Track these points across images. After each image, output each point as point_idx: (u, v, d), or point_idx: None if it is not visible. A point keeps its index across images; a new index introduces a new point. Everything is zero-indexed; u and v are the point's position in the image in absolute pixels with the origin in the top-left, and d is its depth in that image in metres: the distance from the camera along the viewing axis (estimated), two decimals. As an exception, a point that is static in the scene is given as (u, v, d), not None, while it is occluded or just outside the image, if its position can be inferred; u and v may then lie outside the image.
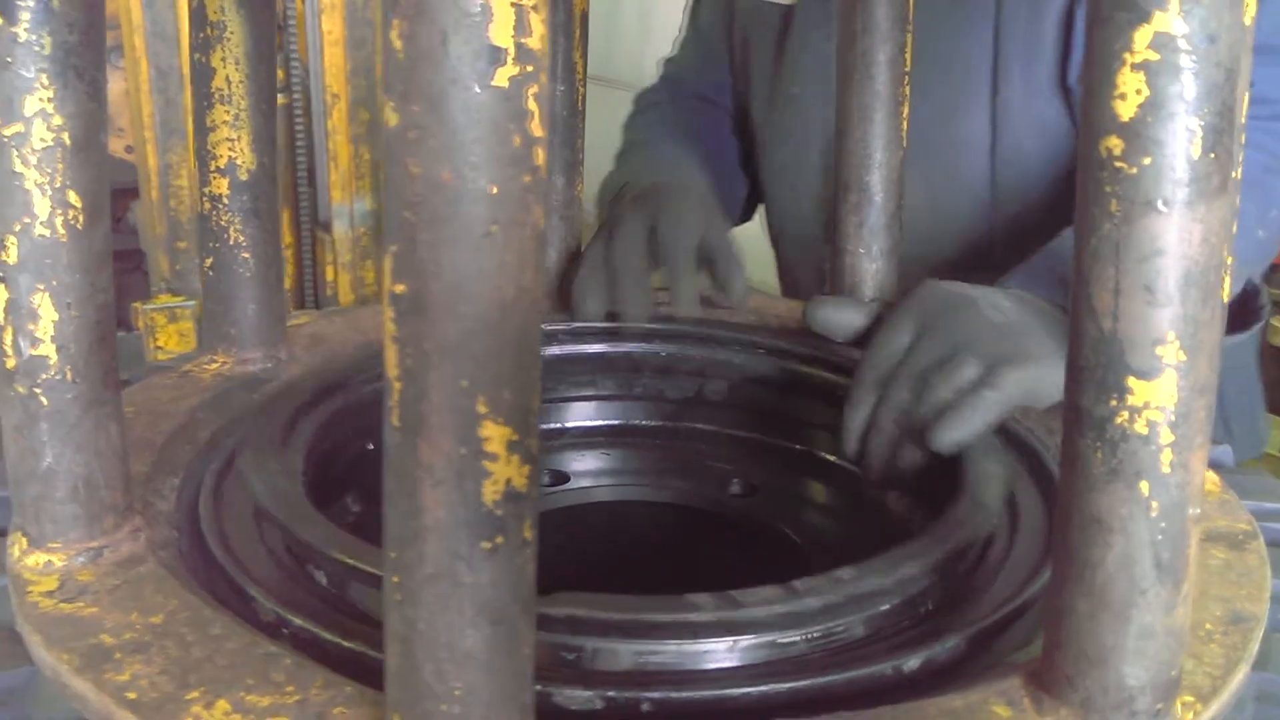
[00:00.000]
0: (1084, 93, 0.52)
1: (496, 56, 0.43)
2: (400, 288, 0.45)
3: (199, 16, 0.88)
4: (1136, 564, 0.55)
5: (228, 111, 0.90)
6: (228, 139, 0.91)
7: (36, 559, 0.69)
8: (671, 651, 0.62)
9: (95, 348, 0.67)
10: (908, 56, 1.07)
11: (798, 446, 0.99)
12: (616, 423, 1.04)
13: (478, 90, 0.43)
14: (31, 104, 0.61)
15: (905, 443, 0.86)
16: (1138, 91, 0.50)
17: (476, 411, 0.46)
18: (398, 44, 0.43)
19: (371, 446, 0.98)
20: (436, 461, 0.46)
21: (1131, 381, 0.53)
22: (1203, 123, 0.50)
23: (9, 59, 0.60)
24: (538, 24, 0.44)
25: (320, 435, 0.85)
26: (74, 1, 0.60)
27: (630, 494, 0.98)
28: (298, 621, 0.65)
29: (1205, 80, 0.49)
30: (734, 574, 0.72)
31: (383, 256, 0.46)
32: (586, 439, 1.03)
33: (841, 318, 1.02)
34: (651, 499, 0.98)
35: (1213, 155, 0.50)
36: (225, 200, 0.93)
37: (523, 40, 0.43)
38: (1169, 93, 0.49)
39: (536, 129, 0.44)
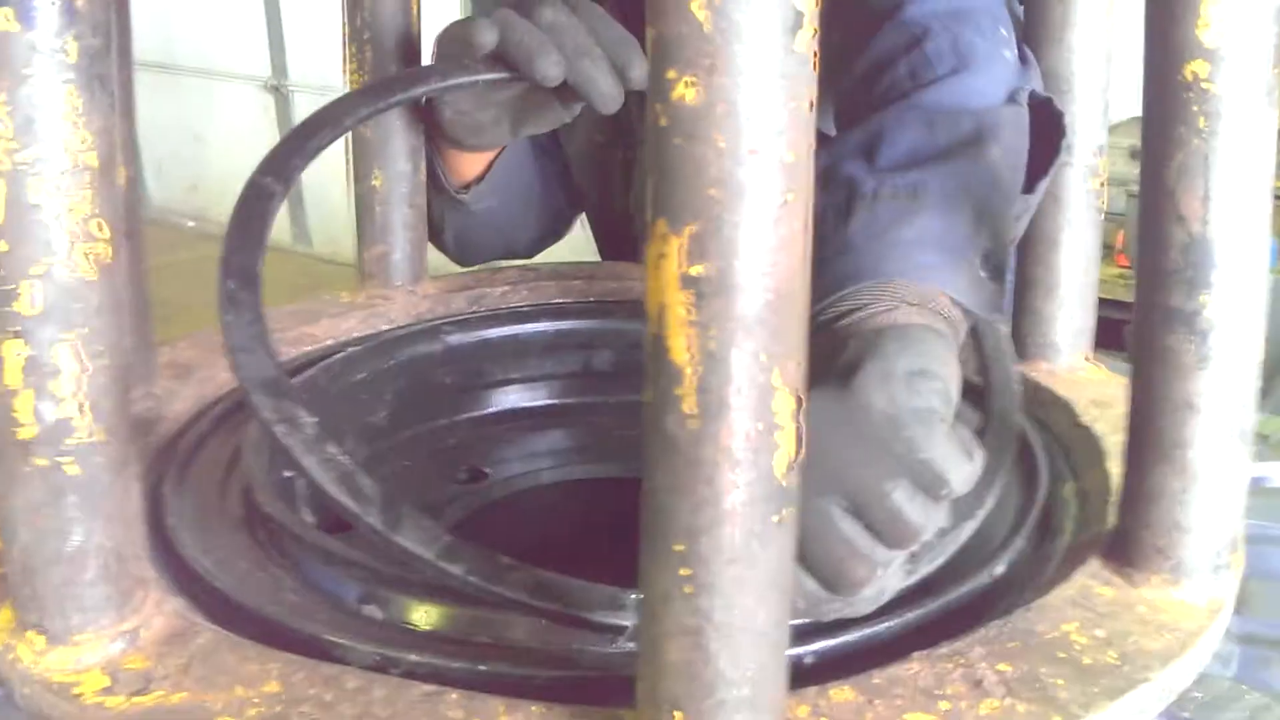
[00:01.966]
0: (1153, 26, 0.58)
1: (799, 21, 0.42)
2: (699, 269, 0.43)
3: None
4: (1224, 438, 0.62)
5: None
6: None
7: (63, 657, 0.59)
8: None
9: (123, 399, 0.57)
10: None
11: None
12: (534, 405, 1.02)
13: (784, 58, 0.42)
14: (54, 122, 0.51)
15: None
16: (1221, 19, 0.56)
17: (772, 385, 0.45)
18: (701, 15, 0.41)
19: (289, 474, 0.90)
20: (734, 443, 0.45)
21: (1217, 276, 0.60)
22: (1276, 41, 0.57)
23: (26, 70, 0.50)
24: (816, -17, 0.43)
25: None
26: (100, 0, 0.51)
27: (557, 477, 0.96)
28: (413, 658, 0.60)
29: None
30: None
31: (667, 239, 0.44)
32: (511, 423, 1.00)
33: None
34: (582, 477, 0.97)
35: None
36: (90, 223, 0.81)
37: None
38: (1247, 18, 0.56)
39: (814, 90, 0.44)
